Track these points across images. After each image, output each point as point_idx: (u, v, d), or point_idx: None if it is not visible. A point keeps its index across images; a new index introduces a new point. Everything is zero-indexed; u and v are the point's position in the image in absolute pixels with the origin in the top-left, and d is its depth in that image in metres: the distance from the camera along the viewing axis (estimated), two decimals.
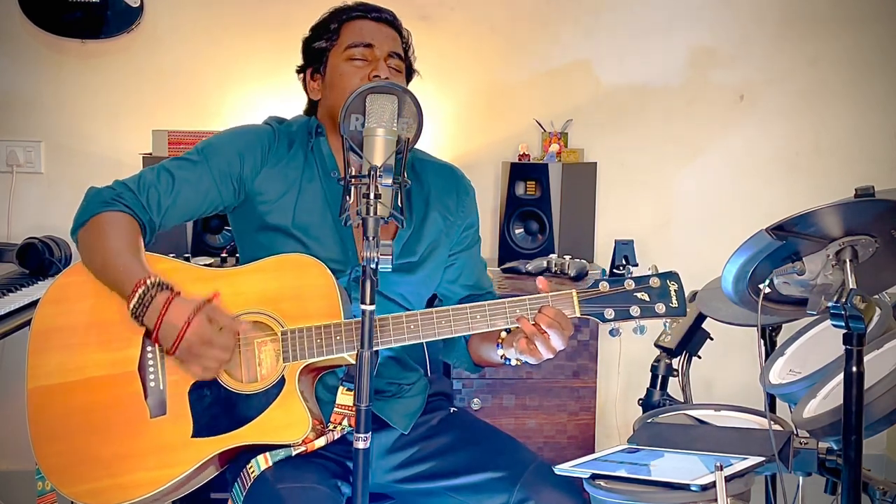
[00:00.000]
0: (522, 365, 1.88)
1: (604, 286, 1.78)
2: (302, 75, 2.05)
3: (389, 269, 1.53)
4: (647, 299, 1.77)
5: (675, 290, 1.78)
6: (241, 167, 1.91)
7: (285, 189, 1.93)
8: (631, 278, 1.78)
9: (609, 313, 1.77)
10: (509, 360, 1.86)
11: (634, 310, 1.77)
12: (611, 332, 1.79)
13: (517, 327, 1.78)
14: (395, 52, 1.96)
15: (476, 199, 2.10)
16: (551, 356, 1.77)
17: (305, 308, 1.78)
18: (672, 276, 1.79)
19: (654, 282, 1.78)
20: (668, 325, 1.81)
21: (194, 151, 1.93)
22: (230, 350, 1.72)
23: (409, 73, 2.04)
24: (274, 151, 1.94)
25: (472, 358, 2.00)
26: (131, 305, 1.71)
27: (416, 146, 2.06)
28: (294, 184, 1.93)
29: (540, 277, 1.82)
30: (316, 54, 2.00)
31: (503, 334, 1.85)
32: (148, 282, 1.71)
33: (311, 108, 2.05)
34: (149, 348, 1.78)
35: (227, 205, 1.94)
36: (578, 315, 1.77)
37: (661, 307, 1.77)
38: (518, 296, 1.79)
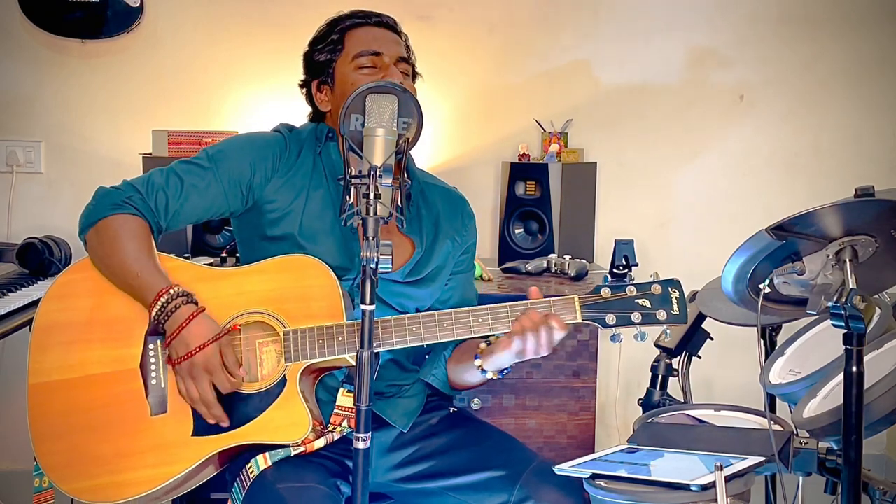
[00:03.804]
0: (497, 378, 1.88)
1: (606, 292, 1.78)
2: (306, 89, 2.02)
3: (389, 269, 1.53)
4: (649, 306, 1.78)
5: (676, 297, 1.78)
6: (252, 176, 1.90)
7: (294, 197, 1.91)
8: (633, 284, 1.79)
9: (611, 319, 1.78)
10: (486, 371, 1.86)
11: (636, 316, 1.77)
12: (612, 339, 1.79)
13: (498, 339, 1.79)
14: (403, 58, 1.96)
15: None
16: (534, 356, 1.77)
17: (308, 308, 1.78)
18: (673, 283, 1.79)
19: (656, 288, 1.78)
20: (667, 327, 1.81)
21: (204, 157, 1.90)
22: (224, 388, 1.74)
23: (413, 76, 2.02)
24: (284, 160, 1.92)
25: (448, 379, 1.99)
26: (154, 313, 1.74)
27: (419, 166, 2.08)
28: (302, 191, 1.92)
29: (532, 288, 1.82)
30: (320, 66, 1.97)
31: (483, 345, 1.86)
32: (171, 291, 1.74)
33: (317, 115, 2.03)
34: (150, 346, 1.78)
35: (234, 211, 1.93)
36: (580, 320, 1.78)
37: (662, 314, 1.77)
38: (521, 299, 1.79)
